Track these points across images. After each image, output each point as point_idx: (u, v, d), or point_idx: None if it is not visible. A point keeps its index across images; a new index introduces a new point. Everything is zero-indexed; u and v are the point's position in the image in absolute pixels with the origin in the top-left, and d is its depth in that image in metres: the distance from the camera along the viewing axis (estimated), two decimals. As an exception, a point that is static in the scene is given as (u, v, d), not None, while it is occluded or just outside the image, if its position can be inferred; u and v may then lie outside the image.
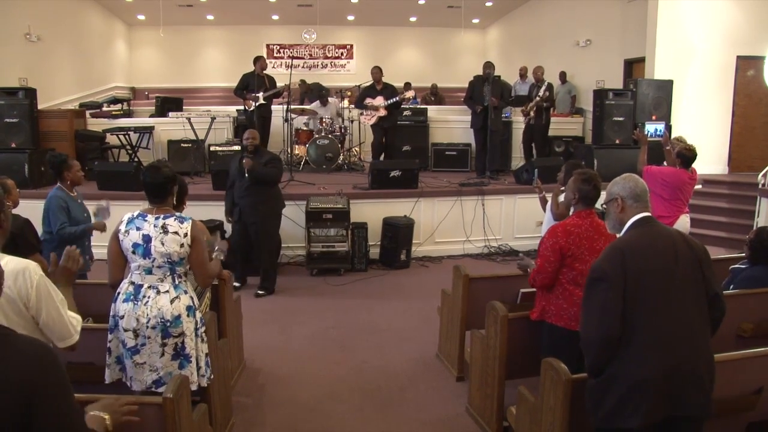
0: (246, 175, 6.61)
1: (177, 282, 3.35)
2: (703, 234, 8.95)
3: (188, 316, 3.34)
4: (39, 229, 4.75)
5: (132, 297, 3.29)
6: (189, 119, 10.34)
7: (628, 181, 2.87)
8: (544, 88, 10.51)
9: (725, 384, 3.01)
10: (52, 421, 1.69)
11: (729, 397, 3.03)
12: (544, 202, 5.61)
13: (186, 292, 3.38)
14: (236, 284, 7.01)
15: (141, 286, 3.31)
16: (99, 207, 5.25)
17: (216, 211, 7.74)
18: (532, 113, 10.61)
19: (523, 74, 12.89)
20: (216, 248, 4.01)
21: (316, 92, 12.28)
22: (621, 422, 2.63)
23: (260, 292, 7.02)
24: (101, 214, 5.22)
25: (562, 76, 13.28)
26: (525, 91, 11.80)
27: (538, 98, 10.52)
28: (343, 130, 11.14)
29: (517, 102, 11.76)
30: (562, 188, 5.29)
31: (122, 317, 3.28)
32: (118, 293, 3.36)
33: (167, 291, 3.31)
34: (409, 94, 10.43)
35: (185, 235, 3.32)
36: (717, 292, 2.74)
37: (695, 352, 2.63)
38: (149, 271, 3.31)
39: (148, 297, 3.28)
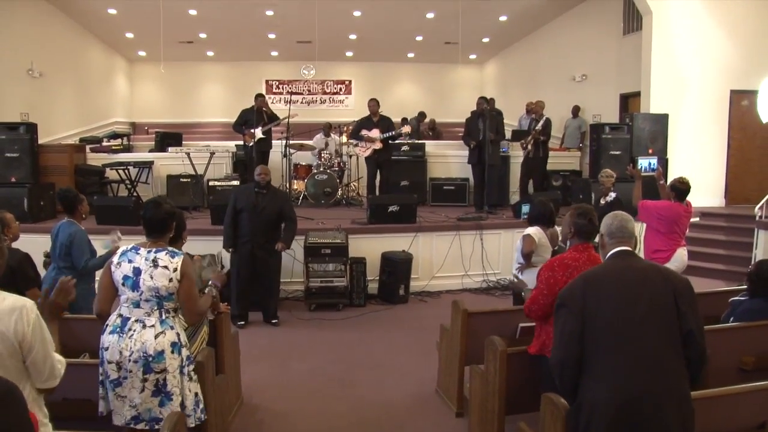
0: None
1: (164, 317, 3.32)
2: (701, 267, 8.98)
3: (172, 352, 3.29)
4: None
5: (118, 329, 3.28)
6: (188, 154, 10.42)
7: (607, 219, 3.04)
8: (542, 122, 10.58)
9: (727, 418, 2.99)
10: None
11: (731, 432, 3.01)
12: None
13: (172, 328, 3.34)
14: (241, 323, 7.07)
15: (128, 319, 3.30)
16: (111, 239, 5.24)
17: (215, 245, 7.74)
18: (529, 147, 10.67)
19: (529, 110, 13.03)
20: (210, 283, 3.99)
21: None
22: None
23: (275, 321, 7.17)
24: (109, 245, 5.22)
25: (575, 111, 13.41)
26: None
27: (534, 132, 10.60)
28: (341, 165, 11.20)
29: (515, 136, 11.87)
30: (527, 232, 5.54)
31: (107, 349, 3.26)
32: (107, 325, 3.35)
33: (153, 325, 3.28)
34: (405, 129, 10.47)
35: (175, 269, 3.31)
36: (692, 329, 2.67)
37: (658, 387, 2.59)
38: (137, 305, 3.31)
39: (134, 330, 3.26)
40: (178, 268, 3.33)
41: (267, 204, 6.92)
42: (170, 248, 3.43)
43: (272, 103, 15.59)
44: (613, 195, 7.15)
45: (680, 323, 2.67)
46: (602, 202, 7.06)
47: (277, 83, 18.49)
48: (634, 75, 11.39)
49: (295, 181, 11.02)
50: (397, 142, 11.03)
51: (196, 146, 11.59)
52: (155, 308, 3.31)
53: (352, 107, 18.12)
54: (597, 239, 3.11)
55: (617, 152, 10.06)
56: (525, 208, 8.58)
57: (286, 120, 9.94)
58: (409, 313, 7.79)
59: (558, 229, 5.70)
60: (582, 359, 2.70)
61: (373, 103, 10.20)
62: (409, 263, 8.18)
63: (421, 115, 16.11)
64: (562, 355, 2.74)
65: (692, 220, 6.64)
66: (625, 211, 3.12)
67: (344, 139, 11.93)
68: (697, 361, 2.71)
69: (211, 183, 10.64)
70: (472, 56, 18.15)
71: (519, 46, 16.54)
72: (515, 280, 5.53)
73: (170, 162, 11.02)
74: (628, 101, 12.41)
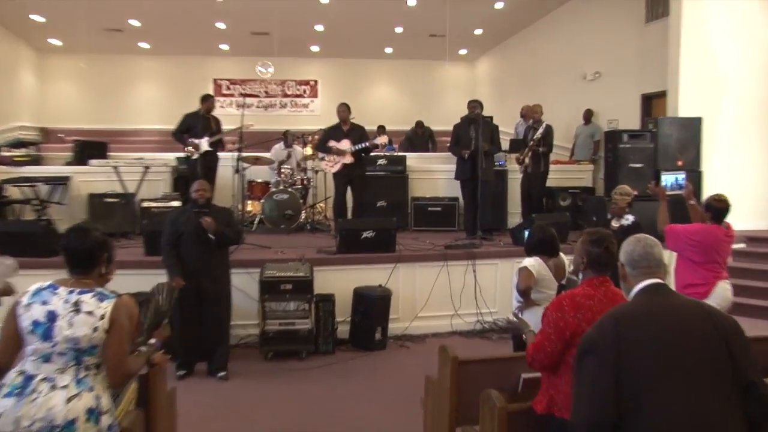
0: (211, 236, 6.74)
1: (81, 375, 3.15)
2: (747, 304, 8.84)
3: (88, 421, 3.10)
4: None
5: (17, 391, 3.08)
6: (116, 168, 10.32)
7: (628, 244, 3.01)
8: (541, 130, 10.51)
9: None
10: None
11: None
12: None
13: (91, 390, 3.16)
14: (181, 372, 6.97)
15: (33, 377, 3.11)
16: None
17: (148, 280, 7.57)
18: (527, 160, 10.64)
19: (524, 114, 13.04)
20: (150, 342, 3.88)
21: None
22: None
23: (223, 374, 7.01)
24: None
25: (587, 116, 13.52)
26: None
27: (531, 142, 10.56)
28: (305, 183, 11.15)
29: (513, 147, 11.88)
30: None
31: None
32: (3, 385, 3.14)
33: (66, 386, 3.09)
34: (382, 140, 10.45)
35: (102, 317, 3.16)
36: (753, 380, 2.61)
37: None
38: (47, 359, 3.13)
39: (39, 392, 3.06)
40: (107, 315, 3.17)
41: None
42: (99, 289, 3.28)
43: (221, 107, 15.64)
44: (630, 218, 6.97)
45: (736, 374, 2.60)
46: (615, 225, 6.99)
47: (228, 83, 18.55)
48: (659, 71, 11.47)
49: (250, 202, 10.97)
50: (372, 154, 11.02)
51: (126, 159, 11.52)
52: (71, 364, 3.14)
53: (319, 113, 18.21)
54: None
55: (638, 165, 10.15)
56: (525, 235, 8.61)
57: (239, 129, 9.89)
58: (387, 361, 7.75)
59: (565, 258, 5.68)
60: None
61: (343, 109, 10.20)
62: (387, 301, 8.15)
63: (419, 125, 15.93)
64: (594, 418, 2.58)
65: (734, 246, 6.60)
66: (648, 237, 3.07)
67: (309, 151, 11.92)
68: (763, 419, 2.63)
69: (144, 204, 10.53)
70: (462, 51, 18.37)
71: (517, 39, 16.77)
72: (514, 319, 5.49)
73: (92, 178, 10.94)
74: (652, 103, 12.56)
